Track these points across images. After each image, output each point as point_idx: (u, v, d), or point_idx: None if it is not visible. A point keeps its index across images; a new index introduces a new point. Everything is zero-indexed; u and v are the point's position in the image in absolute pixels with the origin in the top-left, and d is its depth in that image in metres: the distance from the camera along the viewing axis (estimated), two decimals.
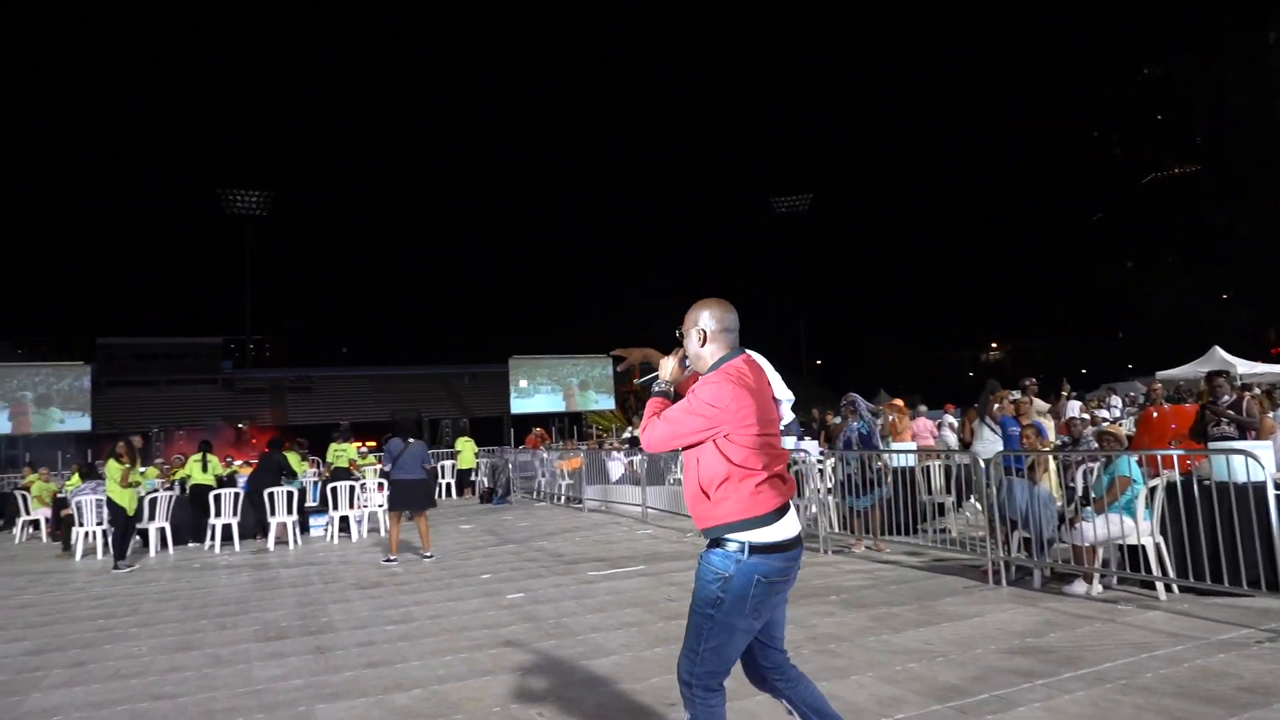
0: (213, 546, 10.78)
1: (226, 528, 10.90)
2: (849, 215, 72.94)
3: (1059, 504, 6.57)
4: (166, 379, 47.89)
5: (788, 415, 2.84)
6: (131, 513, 9.77)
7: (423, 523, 9.12)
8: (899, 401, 11.77)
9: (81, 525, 10.69)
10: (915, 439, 10.74)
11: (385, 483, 10.76)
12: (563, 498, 15.50)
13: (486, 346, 51.24)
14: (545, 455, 17.10)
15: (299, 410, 45.54)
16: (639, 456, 13.04)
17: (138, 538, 10.51)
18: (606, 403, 32.95)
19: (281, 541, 10.86)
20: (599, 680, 4.40)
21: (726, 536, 2.57)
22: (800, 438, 13.49)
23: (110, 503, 9.67)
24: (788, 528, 2.60)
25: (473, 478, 18.32)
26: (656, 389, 2.84)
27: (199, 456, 12.01)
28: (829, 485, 9.26)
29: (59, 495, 13.13)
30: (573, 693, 4.24)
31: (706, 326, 2.75)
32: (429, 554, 9.04)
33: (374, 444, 23.48)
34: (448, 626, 5.87)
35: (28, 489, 13.84)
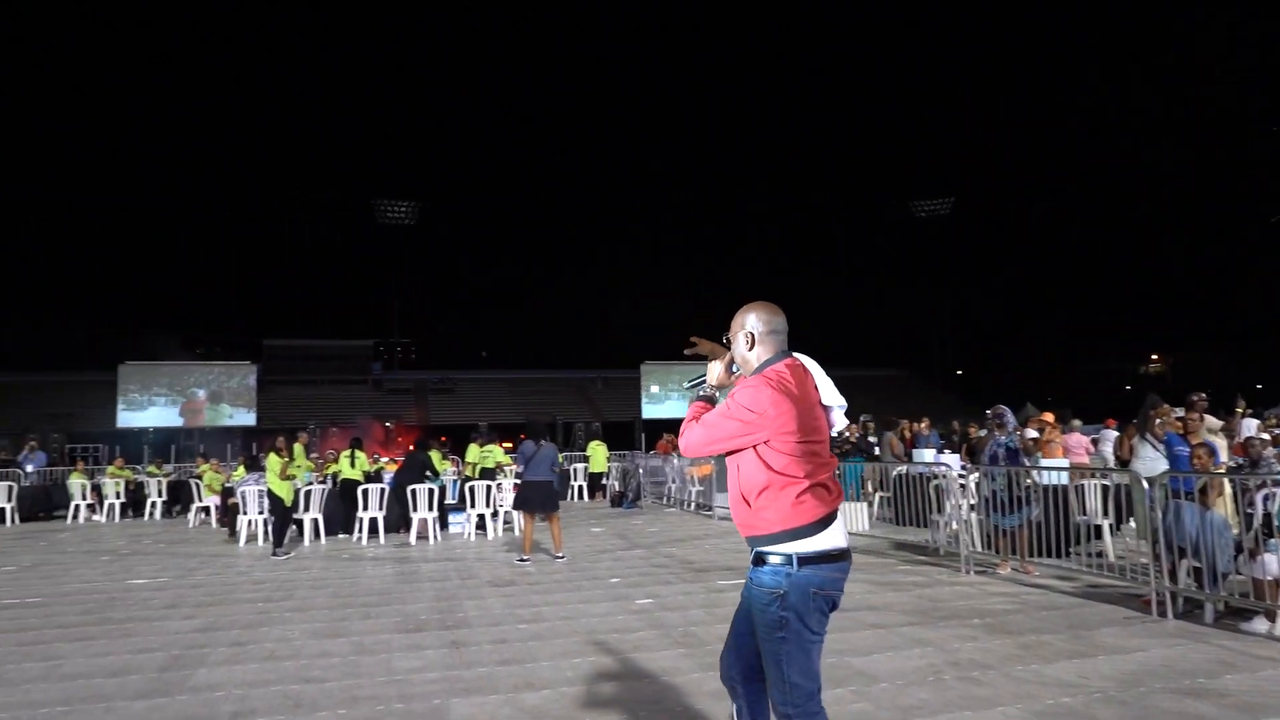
0: (360, 538, 11.36)
1: (373, 521, 11.47)
2: (994, 217, 69.60)
3: (1235, 532, 5.99)
4: (323, 379, 51.07)
5: (841, 422, 2.73)
6: (289, 504, 10.44)
7: (555, 524, 9.29)
8: (1049, 416, 11.10)
9: (245, 513, 11.49)
10: (1068, 455, 10.08)
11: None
12: (693, 504, 15.46)
13: (619, 352, 51.89)
14: (676, 461, 17.12)
15: (441, 411, 47.49)
16: None
17: (293, 527, 11.21)
18: None
19: (422, 537, 11.32)
20: (727, 694, 4.31)
21: (770, 550, 2.51)
22: (940, 450, 12.98)
23: (270, 493, 10.37)
24: (834, 537, 2.52)
25: (604, 481, 18.56)
26: (702, 393, 2.82)
27: (349, 452, 12.69)
28: (971, 501, 8.84)
29: (226, 485, 14.16)
30: (701, 704, 4.18)
31: (754, 329, 2.71)
32: (561, 555, 9.20)
33: (510, 445, 24.22)
34: (577, 629, 5.93)
35: (200, 478, 15.02)
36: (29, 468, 18.27)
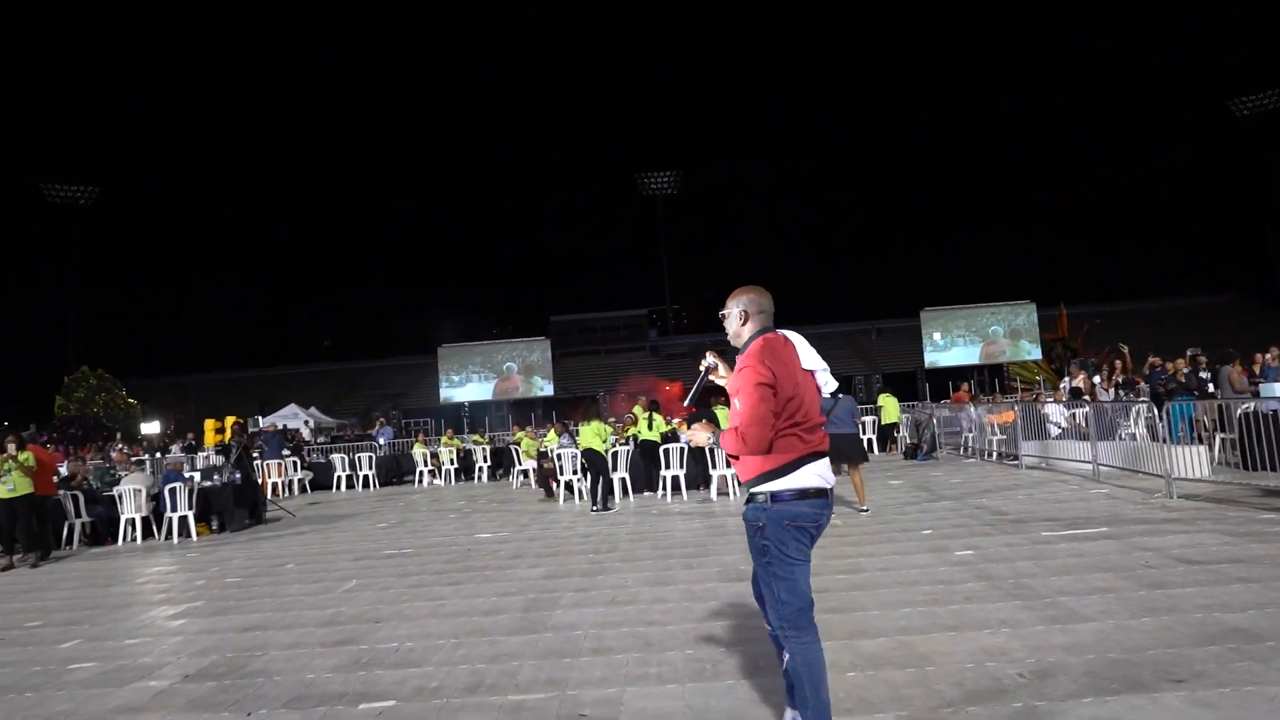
0: (664, 495, 12.03)
1: (674, 479, 12.09)
2: None
3: None
4: (605, 349, 54.34)
5: (828, 383, 3.12)
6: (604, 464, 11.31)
7: (857, 476, 9.26)
8: None
9: (561, 474, 12.59)
10: None
11: None
12: (994, 454, 14.66)
13: (893, 300, 50.16)
14: (973, 410, 16.29)
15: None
16: (1084, 409, 11.84)
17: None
18: (1034, 352, 30.28)
19: (722, 493, 11.75)
20: (1081, 647, 4.11)
21: (755, 490, 2.96)
22: None
23: (591, 454, 11.28)
24: (806, 477, 2.90)
25: (895, 433, 18.09)
26: (713, 444, 3.31)
27: (646, 415, 13.42)
28: None
29: (540, 450, 15.58)
30: (1053, 657, 4.01)
31: (747, 308, 3.15)
32: (864, 508, 9.15)
33: None
34: (899, 580, 5.90)
35: (519, 444, 16.64)
36: (381, 440, 21.28)
